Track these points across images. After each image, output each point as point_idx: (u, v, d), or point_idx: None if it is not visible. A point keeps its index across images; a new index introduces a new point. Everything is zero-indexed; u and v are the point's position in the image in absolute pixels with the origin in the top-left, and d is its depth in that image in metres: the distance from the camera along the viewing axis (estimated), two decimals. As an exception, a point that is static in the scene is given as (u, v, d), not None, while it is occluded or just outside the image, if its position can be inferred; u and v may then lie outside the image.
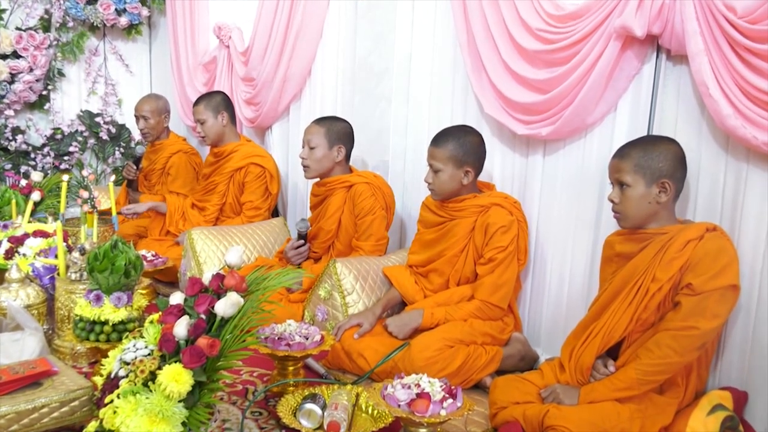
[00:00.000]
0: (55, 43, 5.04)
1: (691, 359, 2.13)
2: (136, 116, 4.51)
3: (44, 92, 5.10)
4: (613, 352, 2.28)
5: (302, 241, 3.36)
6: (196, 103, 4.04)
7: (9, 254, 3.00)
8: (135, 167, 4.53)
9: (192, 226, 3.96)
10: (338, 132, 3.29)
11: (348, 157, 3.35)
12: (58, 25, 5.04)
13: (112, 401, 1.83)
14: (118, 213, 4.43)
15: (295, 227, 3.40)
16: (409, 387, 2.10)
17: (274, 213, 4.35)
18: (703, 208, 2.36)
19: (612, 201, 2.28)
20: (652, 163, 2.18)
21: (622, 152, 2.26)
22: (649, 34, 2.34)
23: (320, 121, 3.35)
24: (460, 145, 2.77)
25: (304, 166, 3.33)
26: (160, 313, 2.01)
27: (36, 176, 3.89)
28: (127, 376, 1.88)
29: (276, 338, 2.48)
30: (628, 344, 2.24)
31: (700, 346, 2.10)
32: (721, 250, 2.09)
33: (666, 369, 2.10)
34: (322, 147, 3.27)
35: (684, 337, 2.08)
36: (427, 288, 2.94)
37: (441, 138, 2.81)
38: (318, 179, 3.40)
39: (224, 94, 4.14)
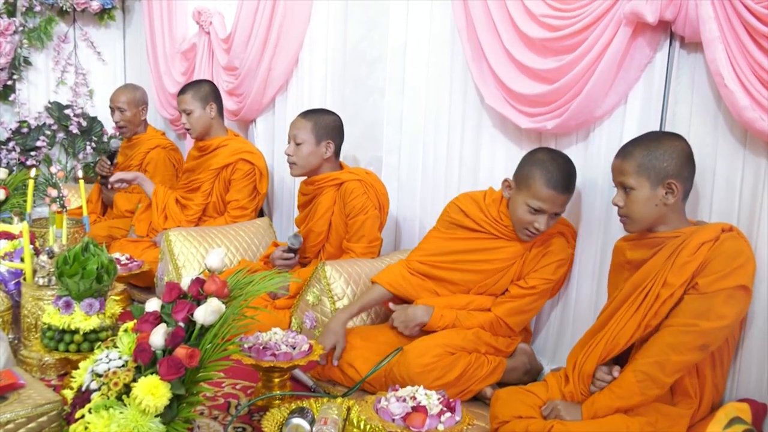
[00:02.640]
0: (20, 29, 5.03)
1: (691, 360, 2.12)
2: (111, 108, 4.51)
3: (9, 82, 5.09)
4: (621, 361, 2.29)
5: (291, 254, 3.35)
6: (183, 91, 4.02)
7: (-29, 258, 3.00)
8: (109, 163, 4.52)
9: (174, 224, 3.95)
10: (327, 126, 3.29)
11: (337, 152, 3.36)
12: (24, 9, 5.04)
13: (83, 416, 1.83)
14: (105, 180, 4.40)
15: (287, 241, 3.36)
16: (405, 400, 2.11)
17: (259, 213, 4.35)
18: (718, 208, 2.37)
19: (616, 205, 2.30)
20: (657, 162, 2.20)
21: (625, 152, 2.27)
22: (661, 20, 2.35)
23: (307, 114, 3.35)
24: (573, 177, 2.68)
25: (290, 163, 3.33)
26: (135, 320, 2.01)
27: (0, 173, 3.89)
28: (99, 389, 1.88)
29: (261, 348, 2.48)
30: (635, 351, 2.25)
31: (701, 347, 2.10)
32: (737, 252, 2.11)
33: (663, 368, 2.11)
34: (309, 143, 3.27)
35: (681, 333, 2.10)
36: (445, 279, 2.85)
37: (569, 182, 2.65)
38: (305, 177, 3.40)
39: (212, 83, 4.13)
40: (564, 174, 2.62)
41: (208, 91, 4.02)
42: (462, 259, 2.82)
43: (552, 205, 2.63)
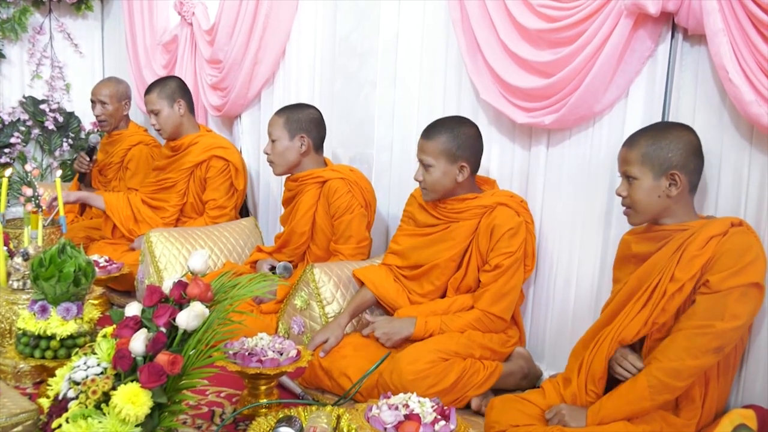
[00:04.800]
0: (-7, 19, 5.02)
1: (706, 363, 2.14)
2: (92, 101, 4.49)
3: (-19, 76, 5.08)
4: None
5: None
6: (148, 91, 4.02)
7: (-58, 260, 2.98)
8: (88, 159, 4.50)
9: (148, 228, 3.94)
10: (299, 120, 3.30)
11: (318, 147, 3.36)
12: (-4, -1, 5.02)
13: (60, 426, 1.83)
14: (84, 177, 4.35)
15: (277, 270, 3.30)
16: (397, 408, 2.11)
17: (245, 212, 4.34)
18: (724, 205, 2.39)
19: (620, 195, 2.32)
20: (661, 153, 2.22)
21: (631, 141, 2.30)
22: (663, 12, 2.36)
23: (280, 111, 3.38)
24: (454, 137, 2.79)
25: (269, 162, 3.37)
26: (115, 326, 2.01)
27: (-28, 171, 3.86)
28: (77, 397, 1.87)
29: (246, 354, 2.48)
30: (647, 349, 2.27)
31: (716, 349, 2.12)
32: (746, 247, 2.13)
33: (678, 374, 2.12)
34: (283, 139, 3.29)
35: (696, 336, 2.11)
36: (415, 291, 2.95)
37: (432, 130, 2.82)
38: (289, 174, 3.41)
39: (179, 79, 4.13)
40: (432, 123, 2.86)
41: (175, 88, 4.01)
42: (422, 257, 2.92)
43: (418, 152, 2.86)
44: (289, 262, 3.39)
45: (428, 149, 2.80)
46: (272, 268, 3.35)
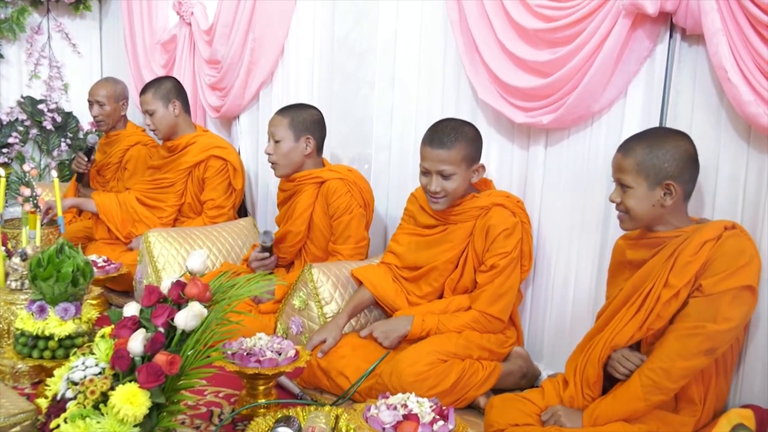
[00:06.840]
0: (-9, 20, 5.01)
1: (698, 365, 2.14)
2: (89, 101, 4.49)
3: (-21, 76, 5.07)
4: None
5: (267, 254, 3.33)
6: (143, 91, 4.02)
7: (-60, 260, 2.98)
8: (86, 159, 4.50)
9: (145, 227, 3.94)
10: (304, 121, 3.29)
11: (319, 148, 3.36)
12: (-6, -1, 5.02)
13: (58, 426, 1.83)
14: (82, 177, 4.36)
15: (259, 240, 3.35)
16: (395, 408, 2.11)
17: (243, 212, 4.34)
18: (721, 206, 2.39)
19: (613, 201, 2.32)
20: (657, 162, 2.20)
21: (626, 147, 2.28)
22: (661, 12, 2.36)
23: (284, 111, 3.36)
24: (471, 141, 2.77)
25: (271, 163, 3.34)
26: (113, 326, 2.01)
27: (-29, 172, 3.86)
28: (75, 397, 1.87)
29: (244, 354, 2.49)
30: (645, 353, 2.27)
31: (708, 351, 2.12)
32: (740, 251, 2.12)
33: (669, 375, 2.12)
34: (287, 140, 3.28)
35: (687, 337, 2.11)
36: (414, 293, 2.95)
37: (444, 136, 2.74)
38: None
39: (175, 79, 4.13)
40: (438, 131, 2.76)
41: (170, 88, 4.00)
42: (420, 257, 2.92)
43: (431, 163, 2.74)
44: (280, 256, 3.38)
45: (447, 158, 2.73)
46: (263, 249, 3.34)
